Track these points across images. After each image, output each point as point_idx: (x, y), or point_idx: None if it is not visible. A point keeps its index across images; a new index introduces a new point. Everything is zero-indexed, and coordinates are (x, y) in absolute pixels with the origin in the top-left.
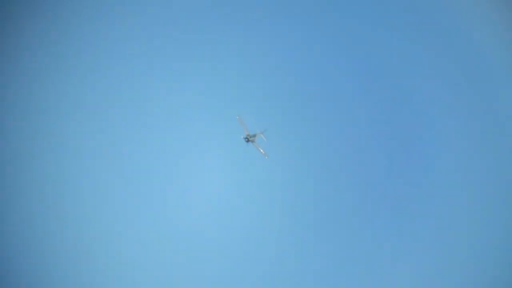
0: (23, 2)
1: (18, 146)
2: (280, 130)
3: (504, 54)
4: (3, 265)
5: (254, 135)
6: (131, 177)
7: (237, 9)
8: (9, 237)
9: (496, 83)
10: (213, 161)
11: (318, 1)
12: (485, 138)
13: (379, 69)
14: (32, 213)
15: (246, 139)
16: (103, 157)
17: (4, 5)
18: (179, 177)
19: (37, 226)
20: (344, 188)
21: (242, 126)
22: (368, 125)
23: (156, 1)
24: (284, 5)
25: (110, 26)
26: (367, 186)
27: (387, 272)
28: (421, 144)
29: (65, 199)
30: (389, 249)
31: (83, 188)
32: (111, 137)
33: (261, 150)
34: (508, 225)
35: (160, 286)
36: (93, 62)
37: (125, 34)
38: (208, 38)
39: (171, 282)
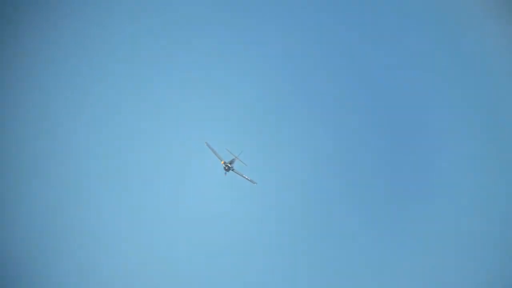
0: (24, 3)
1: (19, 147)
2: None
3: (504, 53)
4: (4, 266)
5: (232, 161)
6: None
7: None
8: (10, 237)
9: (497, 82)
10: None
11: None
12: (485, 138)
13: (379, 71)
14: (33, 213)
15: (226, 168)
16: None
17: (8, 6)
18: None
19: (38, 226)
20: (344, 186)
21: (213, 153)
22: (368, 126)
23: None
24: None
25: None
26: (367, 186)
27: (388, 272)
28: (420, 144)
29: (66, 200)
30: (388, 249)
31: (84, 189)
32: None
33: (246, 177)
34: (508, 225)
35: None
36: (92, 67)
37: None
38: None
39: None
